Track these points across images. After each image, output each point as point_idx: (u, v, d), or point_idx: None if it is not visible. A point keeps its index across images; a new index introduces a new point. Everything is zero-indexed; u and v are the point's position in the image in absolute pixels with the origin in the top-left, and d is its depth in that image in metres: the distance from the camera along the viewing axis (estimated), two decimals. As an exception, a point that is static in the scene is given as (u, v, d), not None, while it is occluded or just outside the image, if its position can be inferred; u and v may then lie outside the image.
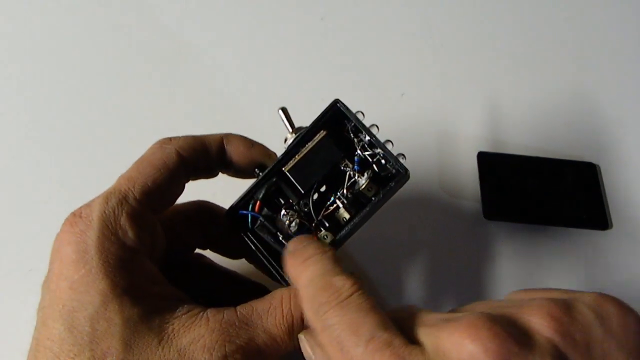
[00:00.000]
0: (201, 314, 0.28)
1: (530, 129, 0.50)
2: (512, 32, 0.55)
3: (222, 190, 0.35)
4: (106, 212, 0.28)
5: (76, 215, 0.28)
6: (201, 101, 0.50)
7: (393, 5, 0.56)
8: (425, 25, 0.55)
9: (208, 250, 0.36)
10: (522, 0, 0.57)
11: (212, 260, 0.37)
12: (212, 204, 0.35)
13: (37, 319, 0.28)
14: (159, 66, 0.52)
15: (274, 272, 0.32)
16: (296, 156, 0.32)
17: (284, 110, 0.33)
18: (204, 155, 0.32)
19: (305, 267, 0.28)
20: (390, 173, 0.32)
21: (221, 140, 0.33)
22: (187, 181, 0.32)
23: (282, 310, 0.28)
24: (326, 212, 0.32)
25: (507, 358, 0.22)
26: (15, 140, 0.48)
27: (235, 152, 0.33)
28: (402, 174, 0.31)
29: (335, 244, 0.31)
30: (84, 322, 0.26)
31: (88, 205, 0.29)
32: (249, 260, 0.37)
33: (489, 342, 0.22)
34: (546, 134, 0.50)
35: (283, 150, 0.33)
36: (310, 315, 0.26)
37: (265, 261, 0.32)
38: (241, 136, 0.34)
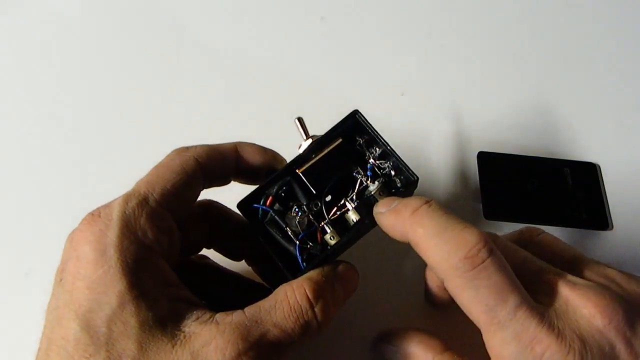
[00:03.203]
0: (211, 318, 0.28)
1: (530, 129, 0.50)
2: (512, 32, 0.55)
3: (222, 190, 0.35)
4: (126, 212, 0.28)
5: (94, 215, 0.29)
6: (200, 103, 0.50)
7: (393, 5, 0.56)
8: (425, 25, 0.55)
9: (211, 251, 0.37)
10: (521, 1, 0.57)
11: (215, 262, 0.37)
12: (219, 203, 0.36)
13: (49, 318, 0.28)
14: (164, 69, 0.52)
15: (280, 265, 0.32)
16: (311, 160, 0.33)
17: (300, 120, 0.34)
18: (220, 163, 0.33)
19: (418, 218, 0.29)
20: (397, 186, 0.33)
21: (235, 148, 0.33)
22: (203, 188, 0.33)
23: (289, 302, 0.29)
24: (334, 216, 0.33)
25: (628, 337, 0.27)
26: (16, 141, 0.48)
27: (250, 158, 0.34)
28: (413, 180, 0.32)
29: (341, 247, 0.32)
30: (100, 323, 0.26)
31: (107, 206, 0.29)
32: (249, 263, 0.37)
33: (619, 323, 0.27)
34: (546, 134, 0.50)
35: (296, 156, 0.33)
36: (445, 268, 0.28)
37: (274, 256, 0.32)
38: (253, 143, 0.34)
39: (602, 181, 0.47)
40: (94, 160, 0.47)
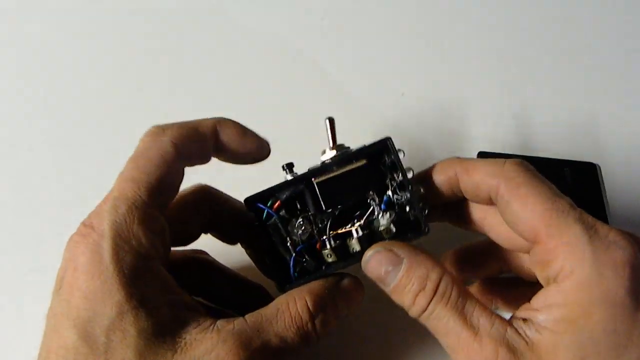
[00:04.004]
0: (212, 326, 0.28)
1: (530, 129, 0.50)
2: (511, 32, 0.55)
3: (222, 172, 0.35)
4: (117, 220, 0.28)
5: (87, 226, 0.28)
6: (196, 96, 0.50)
7: (393, 5, 0.56)
8: (425, 25, 0.55)
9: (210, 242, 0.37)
10: (522, 1, 0.57)
11: (214, 258, 0.37)
12: (213, 188, 0.35)
13: (48, 326, 0.28)
14: (163, 66, 0.52)
15: (270, 265, 0.32)
16: (330, 173, 0.32)
17: (331, 121, 0.33)
18: (199, 143, 0.31)
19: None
20: (409, 217, 0.32)
21: (214, 126, 0.32)
22: (184, 169, 0.32)
23: (290, 312, 0.29)
24: (337, 233, 0.32)
25: None
26: (15, 140, 0.48)
27: (228, 140, 0.32)
28: (422, 230, 0.31)
29: (335, 270, 0.32)
30: (99, 332, 0.26)
31: (97, 213, 0.28)
32: (244, 246, 0.37)
33: None
34: (546, 134, 0.50)
35: (317, 161, 0.33)
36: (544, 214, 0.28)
37: (268, 260, 0.32)
38: (234, 122, 0.33)
39: (602, 181, 0.47)
40: (95, 160, 0.47)
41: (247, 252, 0.37)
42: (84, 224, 0.28)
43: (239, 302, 0.36)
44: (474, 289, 0.39)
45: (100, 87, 0.51)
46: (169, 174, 0.30)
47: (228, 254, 0.38)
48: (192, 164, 0.32)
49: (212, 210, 0.35)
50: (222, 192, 0.35)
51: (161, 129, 0.31)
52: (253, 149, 0.33)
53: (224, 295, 0.37)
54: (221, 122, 0.32)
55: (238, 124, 0.33)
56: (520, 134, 0.49)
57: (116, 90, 0.50)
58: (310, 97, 0.50)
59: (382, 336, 0.39)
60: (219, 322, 0.28)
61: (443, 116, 0.50)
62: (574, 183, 0.47)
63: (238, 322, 0.28)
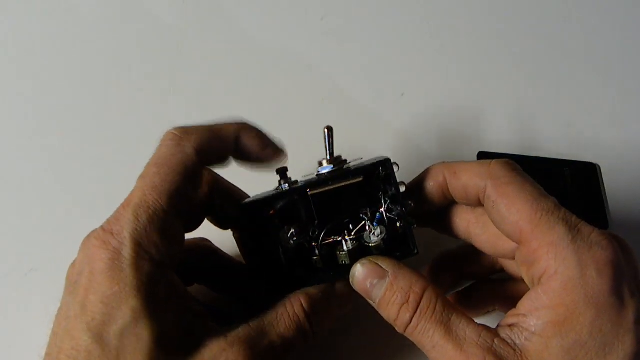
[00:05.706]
0: (219, 331, 0.29)
1: (530, 129, 0.50)
2: (512, 32, 0.55)
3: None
4: (138, 229, 0.28)
5: (106, 232, 0.28)
6: (194, 98, 0.50)
7: (393, 5, 0.56)
8: (425, 25, 0.55)
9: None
10: (521, 2, 0.57)
11: (216, 245, 0.38)
12: (212, 171, 0.36)
13: (59, 327, 0.28)
14: (164, 68, 0.52)
15: (259, 269, 0.33)
16: (325, 187, 0.32)
17: (329, 130, 0.33)
18: (221, 150, 0.32)
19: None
20: (398, 233, 0.32)
21: (237, 133, 0.32)
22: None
23: (289, 313, 0.31)
24: (327, 243, 0.33)
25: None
26: (16, 140, 0.48)
27: (249, 149, 0.33)
28: (411, 250, 0.32)
29: (324, 276, 0.33)
30: (112, 336, 0.27)
31: (117, 220, 0.29)
32: (234, 232, 0.37)
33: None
34: (546, 134, 0.50)
35: (311, 163, 0.33)
36: (530, 214, 0.29)
37: (257, 261, 0.33)
38: (257, 131, 0.33)
39: (602, 181, 0.47)
40: (96, 161, 0.47)
41: (234, 237, 0.38)
42: (103, 228, 0.29)
43: (239, 288, 0.38)
44: (469, 293, 0.39)
45: (100, 88, 0.51)
46: (190, 183, 0.30)
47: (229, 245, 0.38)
48: (211, 167, 0.33)
49: (214, 192, 0.35)
50: (219, 175, 0.36)
51: (184, 133, 0.31)
52: (271, 161, 0.33)
53: (225, 281, 0.38)
54: (244, 129, 0.33)
55: (260, 133, 0.33)
56: (520, 134, 0.49)
57: (115, 92, 0.50)
58: (310, 97, 0.50)
59: (382, 336, 0.39)
60: (226, 328, 0.30)
61: (443, 116, 0.50)
62: (573, 183, 0.47)
63: (243, 327, 0.30)
